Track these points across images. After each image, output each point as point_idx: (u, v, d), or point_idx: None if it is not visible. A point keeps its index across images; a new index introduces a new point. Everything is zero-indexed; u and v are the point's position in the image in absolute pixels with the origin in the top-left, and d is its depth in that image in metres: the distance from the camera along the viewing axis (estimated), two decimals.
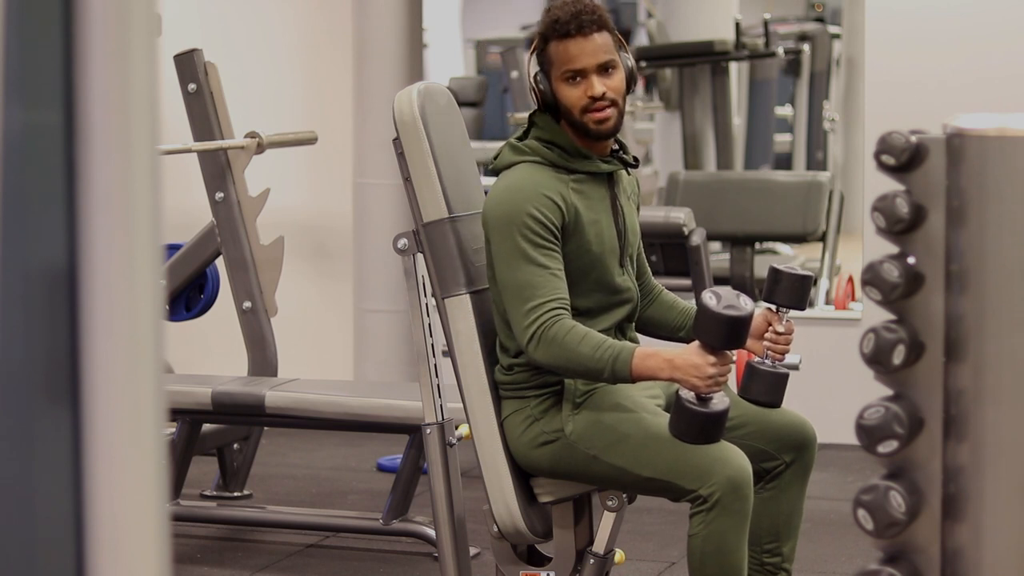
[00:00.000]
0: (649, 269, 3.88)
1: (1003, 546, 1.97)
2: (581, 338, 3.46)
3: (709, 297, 3.42)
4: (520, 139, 3.66)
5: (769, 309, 3.68)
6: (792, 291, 3.65)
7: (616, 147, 3.71)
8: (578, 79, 3.59)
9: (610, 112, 3.59)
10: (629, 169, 3.74)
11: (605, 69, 3.60)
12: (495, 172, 3.66)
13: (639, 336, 3.80)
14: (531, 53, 3.67)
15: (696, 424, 3.46)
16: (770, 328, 3.68)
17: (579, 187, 3.60)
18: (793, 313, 3.68)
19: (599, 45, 3.59)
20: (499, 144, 3.80)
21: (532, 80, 3.65)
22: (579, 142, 3.63)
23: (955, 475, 1.98)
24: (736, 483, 3.42)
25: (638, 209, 3.81)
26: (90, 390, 1.40)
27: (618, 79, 3.61)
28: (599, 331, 3.56)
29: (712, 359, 3.42)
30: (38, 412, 1.41)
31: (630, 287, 3.69)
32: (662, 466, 3.50)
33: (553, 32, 3.60)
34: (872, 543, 2.03)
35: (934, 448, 2.00)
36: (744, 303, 3.42)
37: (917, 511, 1.99)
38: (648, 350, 3.47)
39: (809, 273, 3.69)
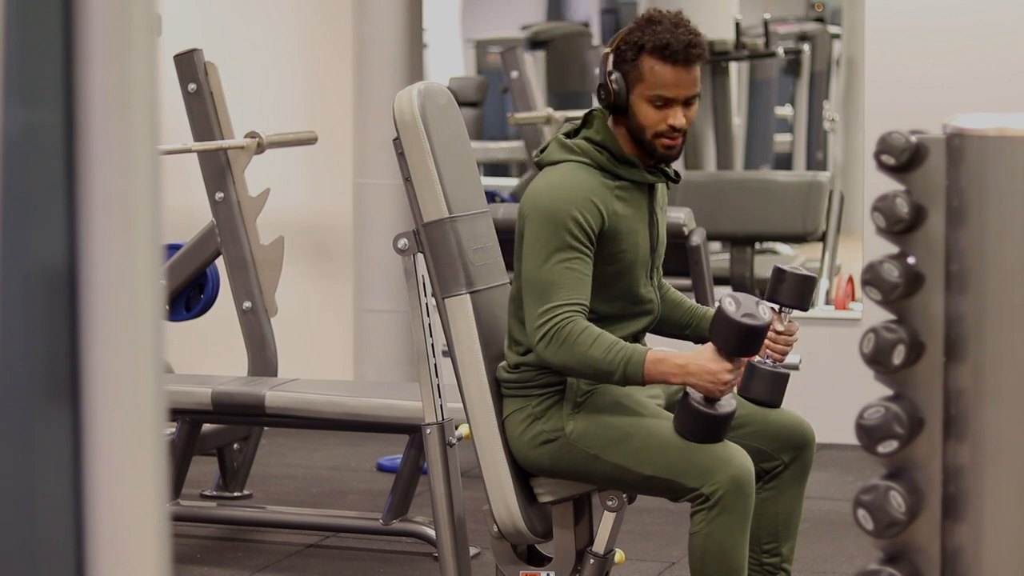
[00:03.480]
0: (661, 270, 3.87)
1: (1003, 546, 1.97)
2: (593, 340, 3.46)
3: (728, 303, 3.42)
4: (569, 136, 3.65)
5: (772, 308, 3.68)
6: (795, 291, 3.65)
7: None
8: (663, 105, 3.57)
9: (680, 142, 3.59)
10: (669, 184, 3.73)
11: (690, 100, 3.59)
12: (539, 166, 3.64)
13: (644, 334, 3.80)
14: (612, 50, 3.61)
15: (703, 425, 3.46)
16: (771, 328, 3.69)
17: (622, 194, 3.58)
18: (793, 312, 3.68)
19: (694, 78, 3.56)
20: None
21: (607, 78, 3.60)
22: (629, 149, 3.61)
23: (955, 475, 1.98)
24: (739, 482, 3.42)
25: None
26: (90, 390, 1.40)
27: (695, 110, 3.61)
28: (611, 333, 3.56)
29: (728, 365, 3.42)
30: (38, 412, 1.41)
31: (653, 299, 3.68)
32: (664, 465, 3.50)
33: (658, 52, 3.53)
34: (872, 543, 2.03)
35: (934, 448, 1.99)
36: (762, 312, 3.42)
37: (917, 511, 1.99)
38: (659, 354, 3.47)
39: (813, 274, 3.69)
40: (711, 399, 3.46)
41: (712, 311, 3.68)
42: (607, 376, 3.47)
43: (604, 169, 3.58)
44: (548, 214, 3.50)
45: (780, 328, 3.68)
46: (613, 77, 3.58)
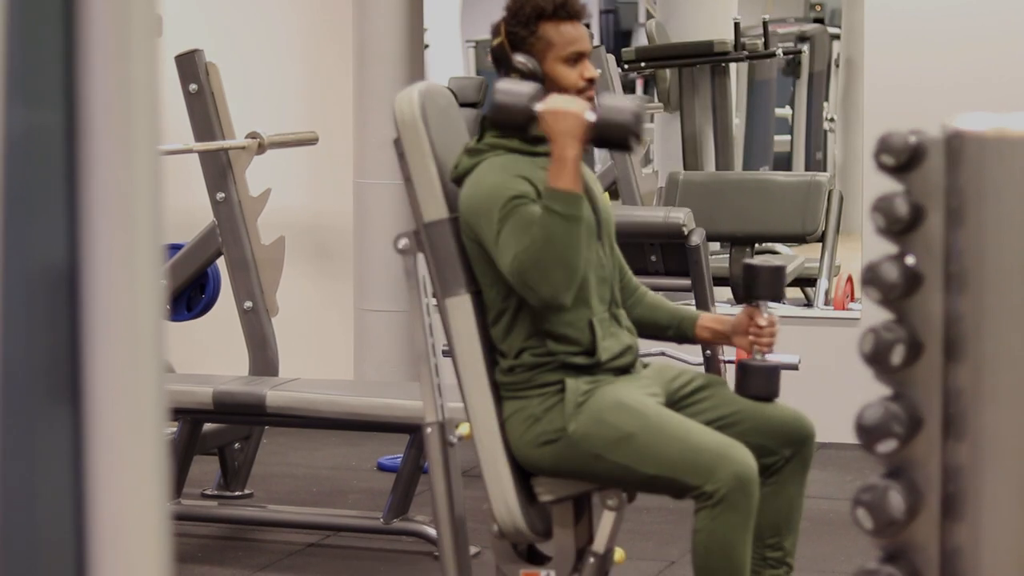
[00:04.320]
0: (627, 266, 3.88)
1: (1002, 545, 1.98)
2: (528, 227, 3.49)
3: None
4: (475, 144, 3.68)
5: (748, 304, 3.72)
6: (769, 284, 3.71)
7: None
8: (576, 60, 3.63)
9: (593, 94, 3.66)
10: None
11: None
12: (457, 181, 3.65)
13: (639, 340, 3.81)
14: (503, 40, 3.68)
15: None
16: (752, 323, 3.73)
17: (546, 166, 3.62)
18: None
19: (586, 32, 3.70)
20: None
21: (514, 63, 3.65)
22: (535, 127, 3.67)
23: (954, 474, 1.98)
24: (742, 479, 3.44)
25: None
26: (91, 390, 1.41)
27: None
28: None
29: (557, 98, 3.49)
30: (39, 412, 1.42)
31: (604, 264, 3.70)
32: (667, 463, 3.51)
33: (556, 14, 3.64)
34: (871, 542, 2.03)
35: (933, 447, 2.00)
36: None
37: (916, 510, 2.00)
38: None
39: (782, 264, 3.74)
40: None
41: (697, 312, 3.76)
42: (558, 232, 3.47)
43: (519, 151, 3.61)
44: (488, 204, 3.54)
45: (762, 322, 3.71)
46: (521, 59, 3.62)
